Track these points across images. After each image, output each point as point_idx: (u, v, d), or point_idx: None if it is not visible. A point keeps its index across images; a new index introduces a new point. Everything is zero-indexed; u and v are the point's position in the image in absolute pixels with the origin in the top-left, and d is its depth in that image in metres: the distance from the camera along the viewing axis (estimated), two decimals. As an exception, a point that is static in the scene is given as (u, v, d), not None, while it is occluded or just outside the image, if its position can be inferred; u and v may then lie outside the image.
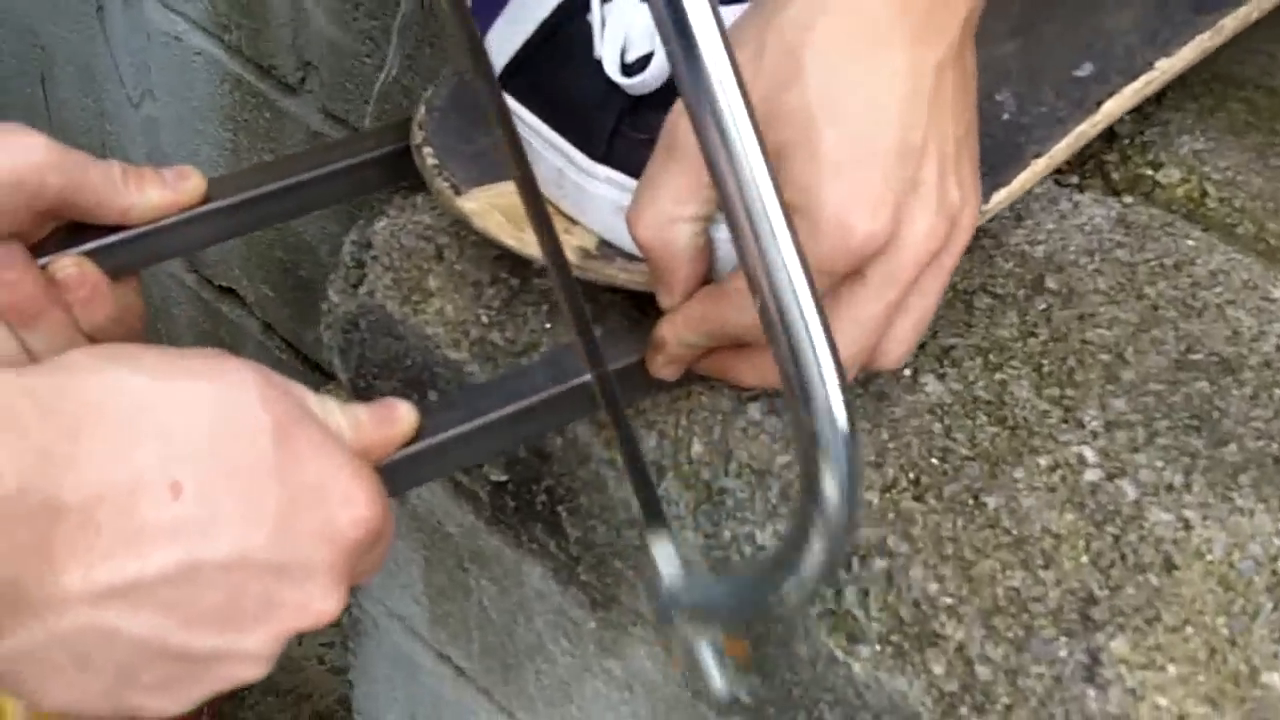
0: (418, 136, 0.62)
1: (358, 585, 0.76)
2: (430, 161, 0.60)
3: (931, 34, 0.48)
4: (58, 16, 1.41)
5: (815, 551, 0.41)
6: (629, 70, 0.55)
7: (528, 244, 0.56)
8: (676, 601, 0.51)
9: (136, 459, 0.41)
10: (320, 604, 0.43)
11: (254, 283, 1.30)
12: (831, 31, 0.47)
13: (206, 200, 0.59)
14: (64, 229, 0.56)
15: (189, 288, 1.40)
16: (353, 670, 0.82)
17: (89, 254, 0.56)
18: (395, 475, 0.48)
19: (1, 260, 0.53)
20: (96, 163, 0.55)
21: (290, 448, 0.43)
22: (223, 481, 0.42)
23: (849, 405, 0.40)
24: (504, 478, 0.62)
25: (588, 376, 0.52)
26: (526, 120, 0.58)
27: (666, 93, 0.55)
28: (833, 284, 0.48)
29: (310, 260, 1.22)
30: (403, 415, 0.49)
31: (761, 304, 0.40)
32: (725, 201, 0.40)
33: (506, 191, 0.59)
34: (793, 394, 0.40)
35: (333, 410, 0.47)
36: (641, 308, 0.56)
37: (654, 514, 0.52)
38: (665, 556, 0.51)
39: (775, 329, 0.40)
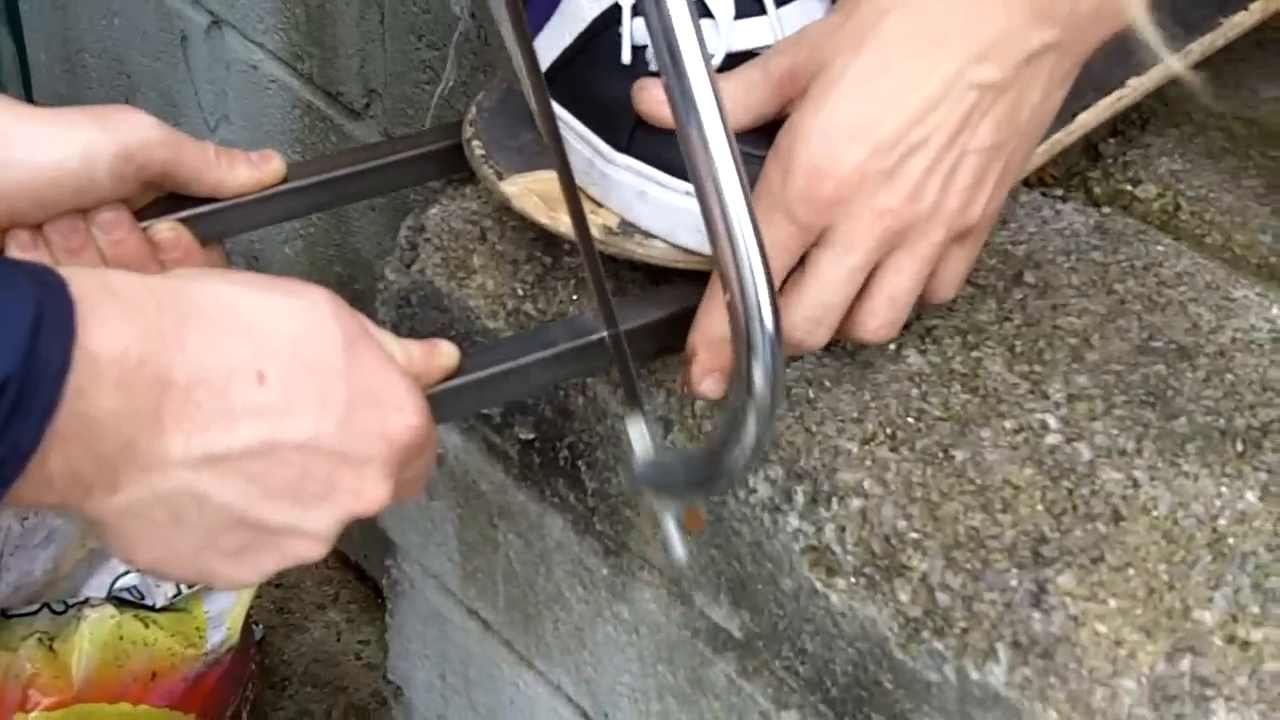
0: (468, 131, 0.70)
1: (397, 542, 0.83)
2: (478, 152, 0.68)
3: (992, 58, 0.54)
4: (144, 46, 1.51)
5: (750, 428, 0.50)
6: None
7: (559, 223, 0.64)
8: (644, 477, 0.59)
9: (230, 350, 0.48)
10: (372, 491, 0.51)
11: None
12: (900, 24, 0.55)
13: (286, 181, 0.67)
14: (163, 198, 0.64)
15: (253, 301, 1.48)
16: (389, 631, 0.89)
17: (183, 221, 0.64)
18: (438, 405, 0.56)
19: (111, 222, 0.62)
20: (195, 142, 0.64)
21: (355, 356, 0.50)
22: (300, 376, 0.49)
23: (774, 309, 0.49)
24: (531, 436, 0.69)
25: (603, 333, 0.59)
26: (562, 117, 0.66)
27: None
28: (799, 234, 0.55)
29: (366, 274, 1.30)
30: (446, 351, 0.57)
31: (708, 221, 0.48)
32: (683, 143, 0.48)
33: (542, 178, 0.66)
34: (731, 298, 0.49)
35: (389, 338, 0.54)
36: (655, 279, 0.64)
37: (632, 399, 0.59)
38: (639, 436, 0.59)
39: (720, 241, 0.48)
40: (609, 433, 0.65)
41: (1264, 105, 0.79)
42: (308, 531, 0.51)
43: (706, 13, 0.63)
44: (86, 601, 1.06)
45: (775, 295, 0.49)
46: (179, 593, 1.10)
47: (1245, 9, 0.69)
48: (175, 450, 0.47)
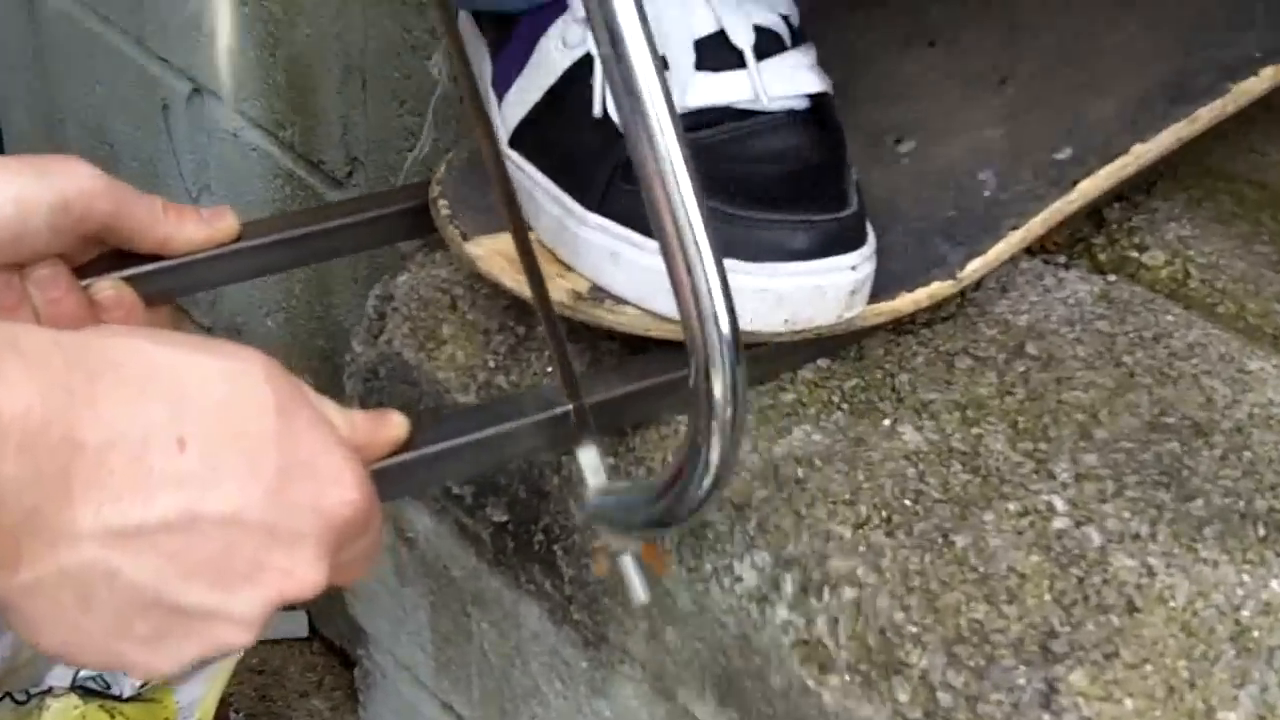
0: (435, 190, 0.67)
1: (369, 631, 0.79)
2: (444, 212, 0.65)
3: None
4: (125, 114, 1.49)
5: (713, 450, 0.46)
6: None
7: (525, 286, 0.60)
8: (598, 512, 0.54)
9: (148, 413, 0.44)
10: (304, 572, 0.46)
11: (296, 370, 1.35)
12: None
13: (241, 239, 0.63)
14: (107, 255, 0.60)
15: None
16: (360, 725, 0.84)
17: (127, 279, 0.60)
18: (385, 480, 0.52)
19: (47, 279, 0.58)
20: (141, 195, 0.60)
21: (289, 424, 0.46)
22: (225, 443, 0.45)
23: (731, 313, 0.44)
24: (505, 518, 0.65)
25: (567, 407, 0.56)
26: (532, 175, 0.63)
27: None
28: None
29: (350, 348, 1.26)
30: (395, 421, 0.53)
31: (663, 242, 0.45)
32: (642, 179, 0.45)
33: (509, 240, 0.63)
34: (683, 304, 0.45)
35: (329, 406, 0.50)
36: (633, 348, 0.60)
37: (583, 424, 0.55)
38: (590, 466, 0.55)
39: (674, 258, 0.44)
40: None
41: (1274, 169, 0.75)
42: (232, 615, 0.46)
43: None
44: (50, 691, 1.01)
45: (731, 300, 0.45)
46: (146, 682, 1.05)
47: (1255, 75, 0.66)
48: (84, 521, 0.43)
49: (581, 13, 0.62)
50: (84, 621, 0.44)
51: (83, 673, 1.03)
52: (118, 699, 1.04)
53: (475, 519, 0.67)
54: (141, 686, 1.05)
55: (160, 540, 0.44)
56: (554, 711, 0.68)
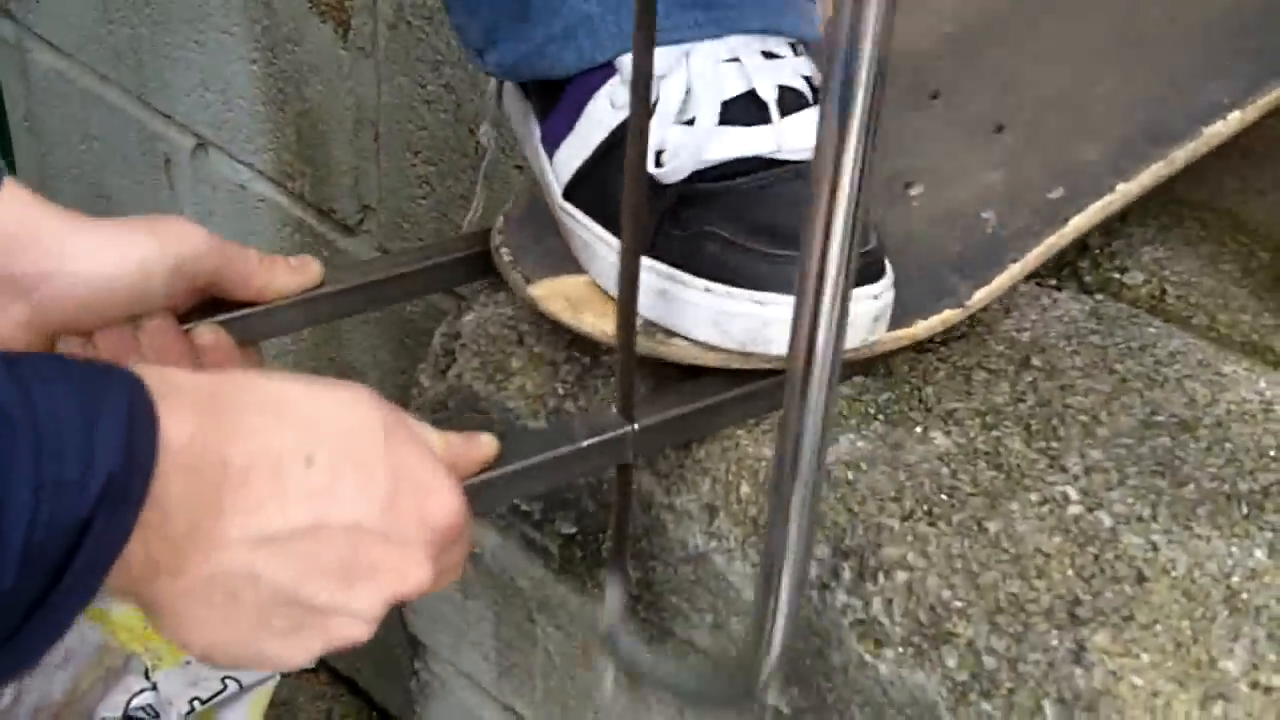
0: (496, 239, 0.74)
1: (428, 644, 0.86)
2: (506, 258, 0.73)
3: None
4: (125, 169, 1.55)
5: (776, 633, 0.57)
6: (658, 164, 0.68)
7: (584, 323, 0.68)
8: (659, 682, 0.64)
9: (280, 436, 0.51)
10: (414, 572, 0.53)
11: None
12: None
13: (323, 285, 0.70)
14: (204, 301, 0.67)
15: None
16: (420, 732, 0.91)
17: (223, 323, 0.68)
18: (475, 495, 0.58)
19: (157, 329, 0.65)
20: (240, 249, 0.67)
21: (395, 444, 0.53)
22: (345, 461, 0.52)
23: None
24: (573, 530, 0.73)
25: (629, 427, 0.63)
26: (586, 224, 0.71)
27: (697, 195, 0.67)
28: None
29: (360, 386, 1.33)
30: (485, 441, 0.60)
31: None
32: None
33: (568, 282, 0.71)
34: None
35: (427, 429, 0.58)
36: (688, 374, 0.68)
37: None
38: (614, 604, 0.64)
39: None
40: (654, 522, 0.69)
41: (1232, 195, 0.85)
42: (354, 612, 0.53)
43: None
44: (103, 720, 1.07)
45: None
46: (191, 710, 1.11)
47: (1224, 119, 0.75)
48: (234, 531, 0.49)
49: (629, 75, 0.70)
50: (231, 619, 0.51)
51: (134, 703, 1.09)
52: (168, 726, 1.09)
53: (543, 532, 0.75)
54: (187, 715, 1.11)
55: (295, 545, 0.51)
56: (619, 703, 0.76)
